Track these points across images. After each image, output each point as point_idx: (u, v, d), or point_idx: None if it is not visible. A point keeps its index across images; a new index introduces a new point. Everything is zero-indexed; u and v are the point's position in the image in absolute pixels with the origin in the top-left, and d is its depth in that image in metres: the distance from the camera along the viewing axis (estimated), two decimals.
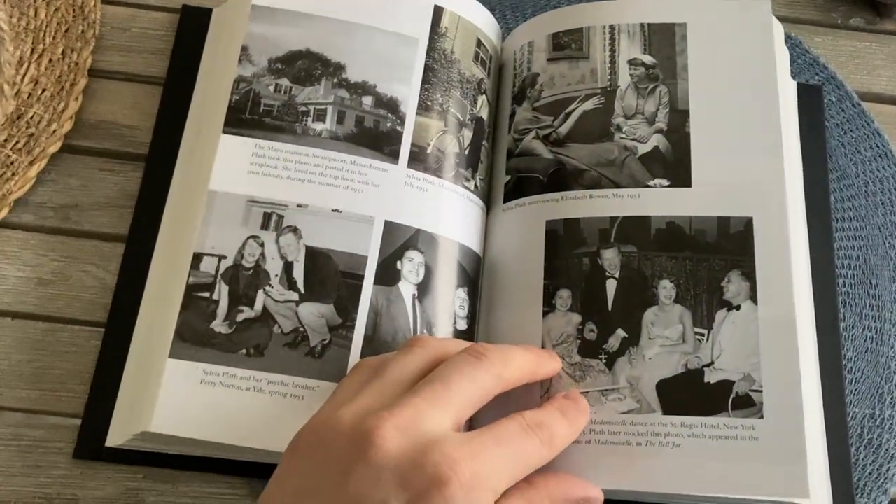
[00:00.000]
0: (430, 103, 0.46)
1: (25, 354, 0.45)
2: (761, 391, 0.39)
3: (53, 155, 0.49)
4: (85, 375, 0.45)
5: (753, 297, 0.40)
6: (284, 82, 0.45)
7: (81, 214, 0.48)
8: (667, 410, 0.39)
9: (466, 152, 0.46)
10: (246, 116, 0.45)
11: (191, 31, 0.51)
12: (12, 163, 0.48)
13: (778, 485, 0.37)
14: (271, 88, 0.45)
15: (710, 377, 0.40)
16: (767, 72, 0.45)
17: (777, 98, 0.45)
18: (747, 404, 0.39)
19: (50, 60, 0.50)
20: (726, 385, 0.39)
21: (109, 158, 0.50)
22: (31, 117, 0.49)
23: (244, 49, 0.46)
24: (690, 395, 0.39)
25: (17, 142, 0.48)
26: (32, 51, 0.50)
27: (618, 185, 0.44)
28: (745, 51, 0.46)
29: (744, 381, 0.39)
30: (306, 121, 0.45)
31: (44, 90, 0.50)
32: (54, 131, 0.49)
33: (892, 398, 0.46)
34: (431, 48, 0.47)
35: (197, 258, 0.42)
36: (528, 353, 0.39)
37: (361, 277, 0.42)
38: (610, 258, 0.42)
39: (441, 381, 0.34)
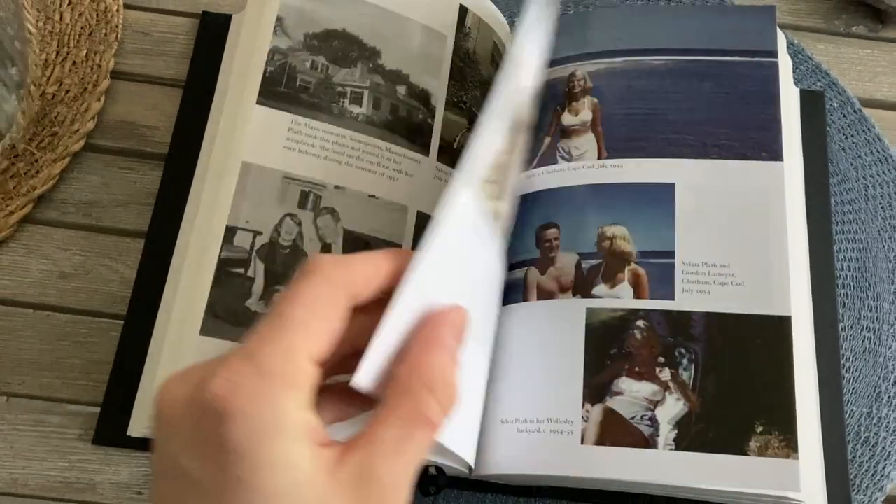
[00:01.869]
0: (455, 100, 0.47)
1: (47, 345, 0.47)
2: None
3: (76, 153, 0.51)
4: (104, 365, 0.46)
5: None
6: (321, 60, 0.45)
7: (102, 211, 0.50)
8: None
9: None
10: (282, 90, 0.44)
11: (210, 36, 0.52)
12: (36, 160, 0.50)
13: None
14: (307, 65, 0.45)
15: None
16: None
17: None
18: None
19: (74, 62, 0.52)
20: None
21: (129, 157, 0.51)
22: (56, 116, 0.51)
23: (279, 20, 0.45)
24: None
25: (42, 140, 0.50)
26: (57, 53, 0.52)
27: None
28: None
29: None
30: (343, 102, 0.45)
31: (67, 91, 0.52)
32: (77, 130, 0.51)
33: (888, 397, 0.47)
34: (458, 46, 0.48)
35: (230, 232, 0.41)
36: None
37: None
38: None
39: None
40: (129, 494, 0.44)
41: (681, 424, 0.39)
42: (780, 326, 0.40)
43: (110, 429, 0.45)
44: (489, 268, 0.40)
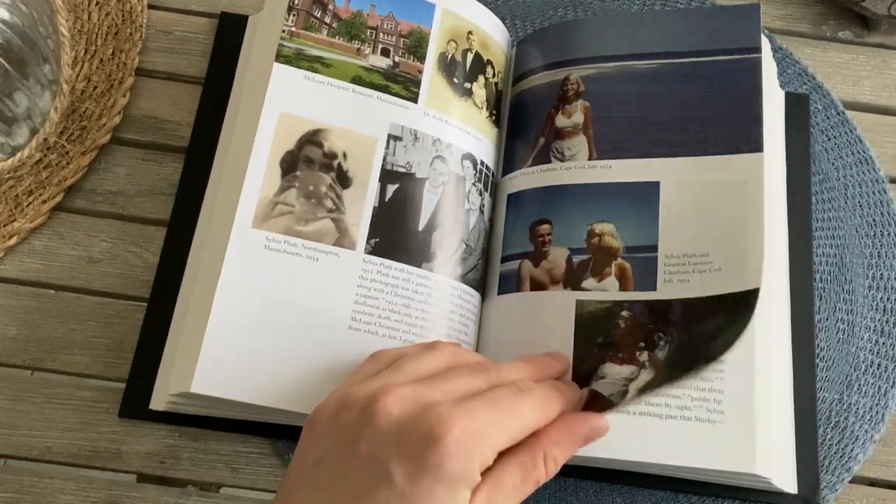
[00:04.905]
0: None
1: (77, 324, 0.51)
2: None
3: (103, 146, 0.54)
4: (129, 344, 0.50)
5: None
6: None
7: (127, 200, 0.54)
8: None
9: None
10: None
11: (228, 35, 0.55)
12: (67, 153, 0.53)
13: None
14: None
15: None
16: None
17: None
18: None
19: (101, 60, 0.56)
20: None
21: (153, 150, 0.55)
22: (84, 112, 0.54)
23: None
24: None
25: (72, 134, 0.54)
26: (86, 51, 0.56)
27: None
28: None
29: None
30: None
31: (95, 87, 0.55)
32: (104, 125, 0.54)
33: (859, 385, 0.50)
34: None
35: None
36: (530, 366, 0.42)
37: None
38: None
39: (445, 378, 0.38)
40: (152, 462, 0.48)
41: (645, 391, 0.42)
42: (746, 296, 0.42)
43: (135, 403, 0.48)
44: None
